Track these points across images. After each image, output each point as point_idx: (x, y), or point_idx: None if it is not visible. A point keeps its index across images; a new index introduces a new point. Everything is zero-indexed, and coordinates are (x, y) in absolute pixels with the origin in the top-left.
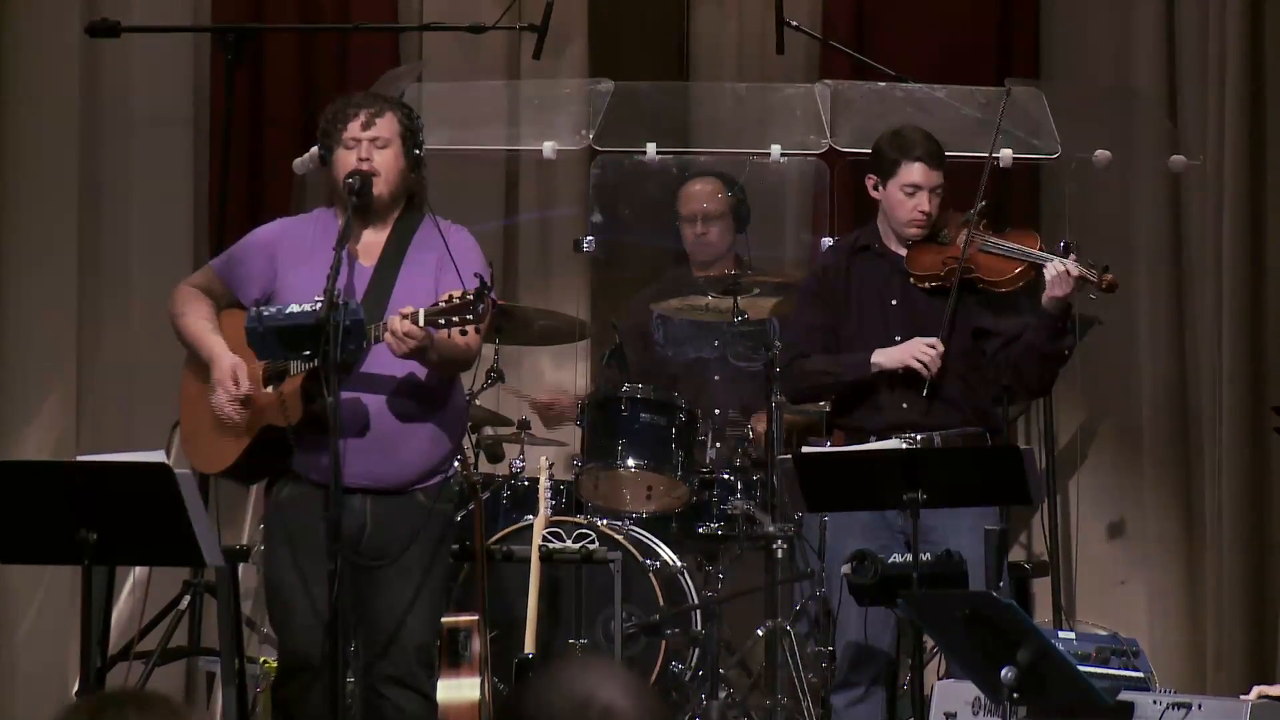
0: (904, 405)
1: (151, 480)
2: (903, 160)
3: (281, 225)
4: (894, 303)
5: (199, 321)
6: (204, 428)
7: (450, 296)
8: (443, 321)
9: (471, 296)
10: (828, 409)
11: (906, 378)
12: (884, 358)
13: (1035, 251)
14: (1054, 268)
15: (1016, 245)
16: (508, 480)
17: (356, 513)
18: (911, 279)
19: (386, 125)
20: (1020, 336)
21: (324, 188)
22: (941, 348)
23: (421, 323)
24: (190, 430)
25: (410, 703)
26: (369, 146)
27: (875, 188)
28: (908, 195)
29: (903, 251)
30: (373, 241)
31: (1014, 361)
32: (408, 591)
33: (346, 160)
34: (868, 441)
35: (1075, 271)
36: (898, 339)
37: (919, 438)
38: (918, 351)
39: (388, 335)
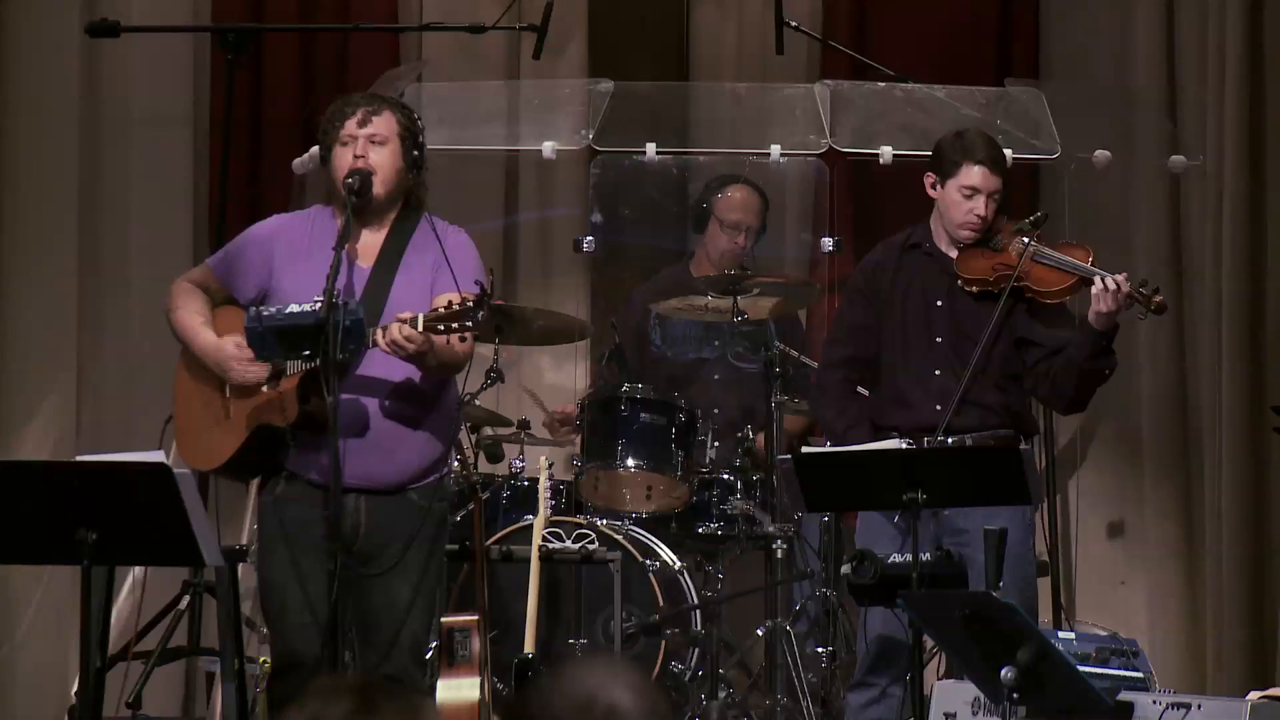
0: (937, 407)
1: (151, 480)
2: (964, 162)
3: (277, 222)
4: (939, 303)
5: (190, 316)
6: (198, 424)
7: (450, 302)
8: (441, 328)
9: (471, 303)
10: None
11: (941, 380)
12: None
13: (1087, 266)
14: (1103, 283)
15: (1069, 258)
16: (508, 480)
17: (351, 512)
18: (959, 282)
19: (384, 123)
20: (1062, 350)
21: (324, 187)
22: None
23: (420, 329)
24: (185, 426)
25: None
26: (365, 143)
27: (933, 186)
28: (965, 197)
29: (953, 253)
30: (370, 242)
31: (1052, 375)
32: (403, 590)
33: (344, 157)
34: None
35: (1126, 289)
36: (939, 340)
37: (951, 440)
38: None
39: (386, 340)
